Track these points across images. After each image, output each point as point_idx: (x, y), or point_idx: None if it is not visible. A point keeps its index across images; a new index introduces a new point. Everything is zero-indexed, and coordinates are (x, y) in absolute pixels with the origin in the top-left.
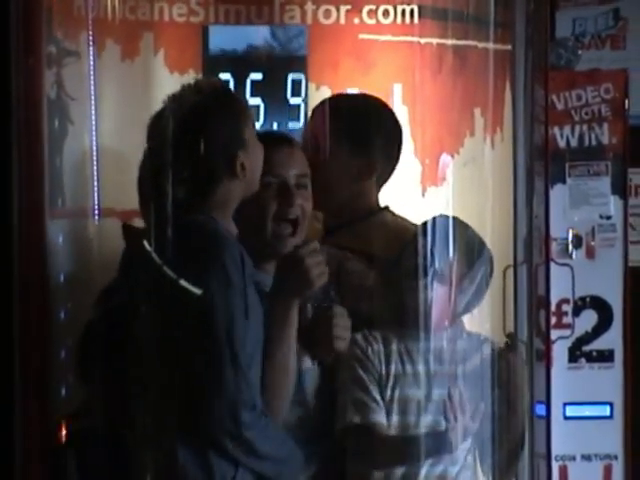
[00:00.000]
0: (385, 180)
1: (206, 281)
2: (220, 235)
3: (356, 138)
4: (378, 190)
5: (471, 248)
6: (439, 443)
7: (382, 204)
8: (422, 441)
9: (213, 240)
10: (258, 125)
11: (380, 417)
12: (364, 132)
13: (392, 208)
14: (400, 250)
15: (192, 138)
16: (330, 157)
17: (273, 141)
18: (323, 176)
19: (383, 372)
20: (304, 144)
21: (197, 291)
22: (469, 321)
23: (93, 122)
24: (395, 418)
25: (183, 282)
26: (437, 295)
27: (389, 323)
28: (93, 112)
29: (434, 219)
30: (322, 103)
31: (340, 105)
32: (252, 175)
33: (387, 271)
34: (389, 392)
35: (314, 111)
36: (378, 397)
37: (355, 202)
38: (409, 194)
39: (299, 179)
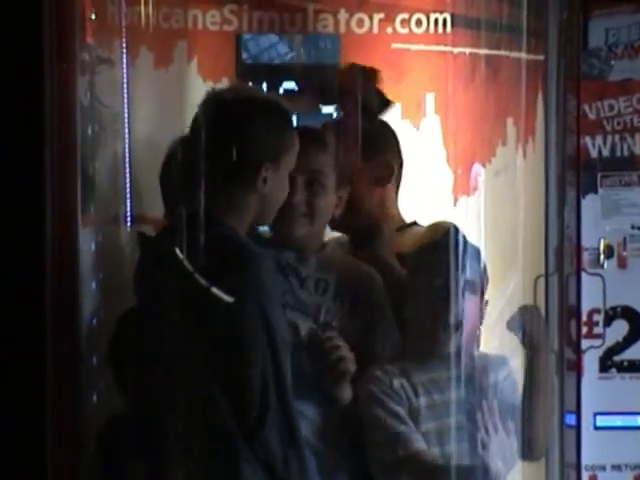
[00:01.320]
0: (399, 186)
1: (243, 300)
2: (255, 252)
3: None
4: (397, 198)
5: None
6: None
7: (410, 219)
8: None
9: (247, 256)
10: None
11: (423, 444)
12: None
13: (421, 220)
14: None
15: (222, 140)
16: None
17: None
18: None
19: (414, 404)
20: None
21: (229, 299)
22: (500, 331)
23: (126, 130)
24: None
25: (215, 290)
26: (468, 309)
27: (406, 354)
28: (126, 120)
29: (450, 230)
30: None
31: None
32: (273, 195)
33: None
34: (424, 424)
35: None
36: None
37: (378, 209)
38: (441, 204)
39: (312, 175)
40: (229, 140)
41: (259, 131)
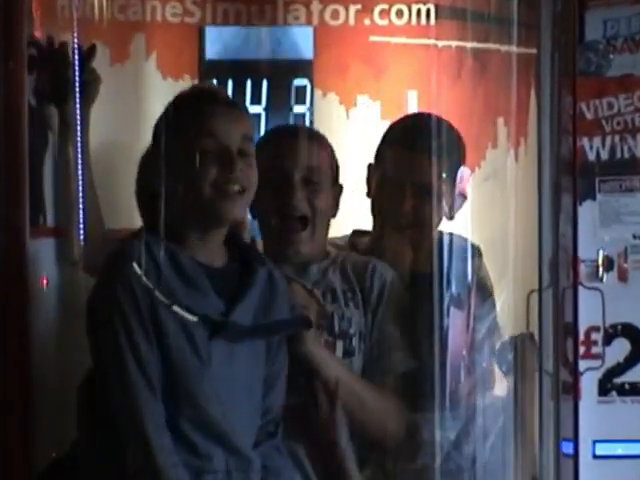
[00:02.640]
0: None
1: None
2: (120, 254)
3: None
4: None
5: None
6: None
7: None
8: None
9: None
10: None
11: None
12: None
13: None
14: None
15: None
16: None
17: (281, 134)
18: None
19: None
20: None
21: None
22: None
23: (78, 132)
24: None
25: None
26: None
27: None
28: (78, 121)
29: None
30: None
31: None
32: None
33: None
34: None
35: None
36: None
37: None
38: None
39: (308, 173)
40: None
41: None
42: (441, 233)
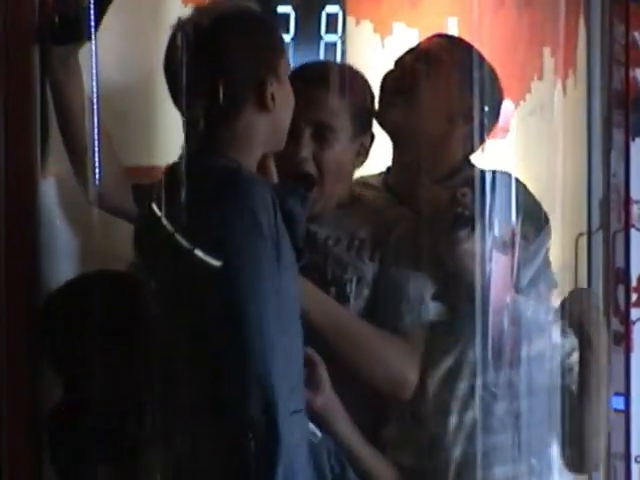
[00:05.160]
0: (476, 143)
1: (230, 229)
2: (246, 175)
3: (463, 74)
4: (466, 150)
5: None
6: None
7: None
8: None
9: (238, 180)
10: None
11: None
12: (470, 71)
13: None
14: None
15: (214, 58)
16: (431, 89)
17: (300, 76)
18: (415, 112)
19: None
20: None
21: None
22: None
23: (93, 63)
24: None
25: (198, 251)
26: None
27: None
28: (93, 51)
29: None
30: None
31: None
32: (282, 113)
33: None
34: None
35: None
36: None
37: (442, 153)
38: None
39: (320, 128)
40: (222, 63)
41: (249, 43)
42: (483, 171)
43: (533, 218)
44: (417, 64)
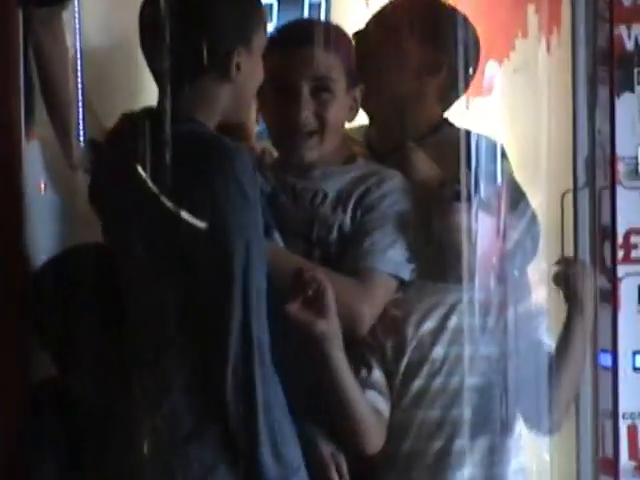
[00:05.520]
0: (450, 99)
1: (216, 198)
2: (228, 143)
3: (425, 29)
4: (442, 106)
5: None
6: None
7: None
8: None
9: (221, 148)
10: (271, 26)
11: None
12: (434, 26)
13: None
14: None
15: (188, 19)
16: (392, 47)
17: (290, 35)
18: (382, 70)
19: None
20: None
21: (200, 224)
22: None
23: (77, 25)
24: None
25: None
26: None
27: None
28: (77, 13)
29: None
30: None
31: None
32: (246, 86)
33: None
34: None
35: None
36: None
37: (415, 110)
38: None
39: (318, 83)
40: (193, 26)
41: (224, 10)
42: (468, 133)
43: (515, 185)
44: (378, 22)
